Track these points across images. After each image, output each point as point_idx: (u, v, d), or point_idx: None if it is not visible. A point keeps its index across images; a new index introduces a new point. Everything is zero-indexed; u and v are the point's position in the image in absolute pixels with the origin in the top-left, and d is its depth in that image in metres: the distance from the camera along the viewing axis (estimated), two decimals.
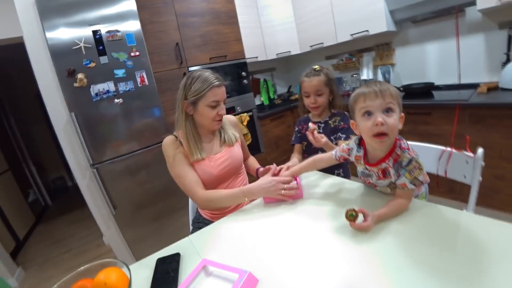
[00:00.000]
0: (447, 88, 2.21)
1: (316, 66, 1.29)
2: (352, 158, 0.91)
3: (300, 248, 0.73)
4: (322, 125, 1.33)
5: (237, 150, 1.24)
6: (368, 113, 0.76)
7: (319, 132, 1.12)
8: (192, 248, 0.84)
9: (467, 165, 0.92)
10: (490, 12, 1.85)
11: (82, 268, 0.64)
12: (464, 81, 2.14)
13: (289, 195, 0.96)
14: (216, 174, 1.14)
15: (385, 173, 0.82)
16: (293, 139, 1.46)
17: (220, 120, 1.14)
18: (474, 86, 2.00)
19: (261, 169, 1.25)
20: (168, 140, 1.14)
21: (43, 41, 1.68)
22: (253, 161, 1.38)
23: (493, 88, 1.81)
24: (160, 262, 0.79)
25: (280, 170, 1.08)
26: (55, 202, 4.19)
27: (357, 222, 0.72)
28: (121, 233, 1.96)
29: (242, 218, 0.96)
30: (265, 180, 1.00)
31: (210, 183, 1.14)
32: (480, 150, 0.87)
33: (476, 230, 0.65)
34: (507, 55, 1.85)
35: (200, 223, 1.20)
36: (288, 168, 1.07)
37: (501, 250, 0.58)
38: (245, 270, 0.64)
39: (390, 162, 0.79)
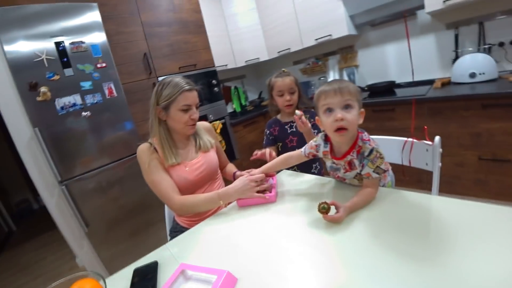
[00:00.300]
0: (407, 85, 2.37)
1: (284, 69, 1.37)
2: (320, 154, 0.96)
3: (277, 244, 0.75)
4: (294, 123, 1.38)
5: (212, 156, 1.25)
6: (329, 110, 0.82)
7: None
8: (169, 255, 0.83)
9: (427, 153, 1.00)
10: (438, 14, 2.02)
11: (57, 282, 0.62)
12: (420, 78, 2.31)
13: (262, 198, 0.97)
14: (192, 179, 1.15)
15: (351, 165, 0.87)
16: (264, 142, 1.51)
17: (194, 124, 1.15)
18: (430, 82, 2.17)
19: (238, 172, 1.26)
20: (142, 147, 1.14)
21: (1, 54, 1.59)
22: (231, 167, 1.39)
23: (447, 83, 1.97)
24: (137, 271, 0.77)
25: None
26: (20, 227, 3.89)
27: (329, 214, 0.76)
28: (95, 252, 1.87)
29: (218, 221, 0.97)
30: (239, 181, 1.02)
31: (187, 189, 1.14)
32: (437, 138, 0.96)
33: (440, 211, 0.71)
34: (456, 52, 2.03)
35: (178, 232, 1.18)
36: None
37: (467, 228, 0.62)
38: (223, 270, 0.64)
39: (354, 154, 0.85)
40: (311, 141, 0.99)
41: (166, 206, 1.29)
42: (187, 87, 1.09)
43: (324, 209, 0.76)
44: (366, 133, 0.86)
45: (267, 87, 1.44)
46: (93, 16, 1.83)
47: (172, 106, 1.08)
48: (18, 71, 1.58)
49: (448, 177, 1.84)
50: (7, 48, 1.55)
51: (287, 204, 0.96)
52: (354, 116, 0.80)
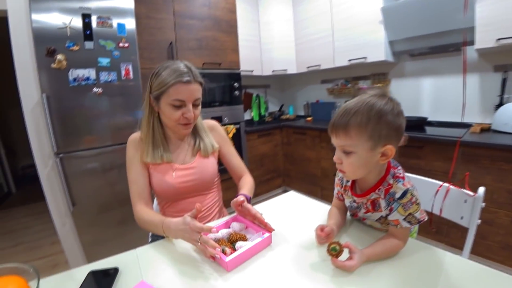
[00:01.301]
0: (440, 124, 2.18)
1: None
2: (342, 190, 0.80)
3: (267, 274, 0.61)
4: None
5: (210, 164, 1.04)
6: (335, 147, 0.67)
7: None
8: (135, 264, 0.70)
9: (465, 204, 0.82)
10: (487, 53, 1.85)
11: None
12: (455, 119, 2.12)
13: (208, 253, 0.66)
14: (176, 187, 0.97)
15: (374, 205, 0.70)
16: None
17: (187, 124, 0.94)
18: (466, 125, 1.98)
19: (240, 197, 0.86)
20: (132, 137, 1.00)
21: (27, 16, 1.56)
22: (244, 183, 1.05)
23: (486, 129, 1.78)
24: (92, 275, 0.64)
25: (241, 203, 0.81)
26: (19, 190, 3.91)
27: (340, 258, 0.61)
28: (76, 233, 1.77)
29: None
30: (181, 220, 0.73)
31: (170, 194, 0.99)
32: (481, 189, 0.78)
33: (476, 282, 0.55)
34: (501, 97, 1.84)
35: (159, 236, 1.05)
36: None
37: None
38: None
39: (380, 192, 0.68)
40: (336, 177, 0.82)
41: (155, 202, 1.16)
42: (184, 79, 0.86)
43: (334, 251, 0.61)
44: (401, 168, 0.69)
45: None
46: None
47: (162, 98, 0.90)
48: (40, 35, 1.53)
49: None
50: (35, 14, 1.51)
51: (289, 232, 0.80)
52: (352, 163, 0.64)
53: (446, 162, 1.68)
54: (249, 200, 0.88)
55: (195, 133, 1.06)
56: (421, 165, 1.84)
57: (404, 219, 0.63)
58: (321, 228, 0.71)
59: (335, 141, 0.65)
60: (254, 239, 0.71)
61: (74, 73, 1.64)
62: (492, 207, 1.53)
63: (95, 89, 1.70)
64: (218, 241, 0.73)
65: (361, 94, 0.65)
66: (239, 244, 0.70)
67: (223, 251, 0.66)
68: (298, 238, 0.76)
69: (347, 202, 0.79)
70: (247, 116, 3.36)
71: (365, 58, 2.38)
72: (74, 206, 1.71)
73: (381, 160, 0.63)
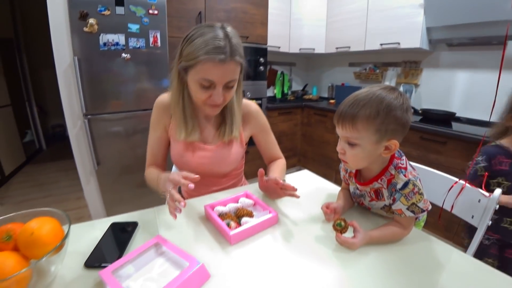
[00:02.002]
0: (468, 122, 2.08)
1: None
2: (347, 176, 0.81)
3: (269, 251, 0.65)
4: None
5: (232, 151, 0.95)
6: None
7: None
8: (153, 221, 0.76)
9: (479, 204, 0.81)
10: None
11: (18, 212, 0.57)
12: (485, 118, 2.01)
13: (172, 208, 0.64)
14: (193, 166, 0.93)
15: (378, 194, 0.71)
16: (471, 175, 1.13)
17: (216, 106, 0.82)
18: None
19: (271, 176, 0.79)
20: (160, 100, 0.93)
21: None
22: (277, 164, 1.02)
23: None
24: (114, 226, 0.71)
25: (277, 183, 0.74)
26: (49, 148, 4.18)
27: (344, 235, 0.64)
28: (99, 191, 1.90)
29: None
30: (174, 174, 0.70)
31: (186, 169, 0.93)
32: (497, 191, 0.76)
33: (476, 281, 0.56)
34: None
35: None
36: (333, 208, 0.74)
37: None
38: (198, 260, 0.55)
39: (383, 182, 0.68)
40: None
41: (173, 168, 1.20)
42: (216, 57, 0.70)
43: (339, 227, 0.64)
44: (404, 158, 0.68)
45: None
46: None
47: (190, 72, 0.76)
48: None
49: None
50: None
51: (296, 207, 0.84)
52: (356, 155, 0.64)
53: (467, 161, 1.62)
54: None
55: (223, 114, 0.93)
56: (441, 161, 1.79)
57: (407, 208, 0.64)
58: (327, 206, 0.74)
59: (340, 131, 0.65)
60: (260, 217, 0.73)
61: (105, 37, 1.68)
62: None
63: (123, 55, 1.75)
64: (224, 214, 0.74)
65: (371, 86, 0.64)
66: (244, 219, 0.72)
67: (228, 225, 0.69)
68: (306, 217, 0.79)
69: (351, 188, 0.81)
70: (269, 92, 3.34)
71: (398, 43, 2.26)
72: (99, 166, 1.83)
73: (384, 153, 0.63)
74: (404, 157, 0.68)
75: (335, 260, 0.61)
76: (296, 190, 0.72)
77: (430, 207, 0.65)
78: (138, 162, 1.97)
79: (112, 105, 1.81)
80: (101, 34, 1.67)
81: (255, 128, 1.01)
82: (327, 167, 2.83)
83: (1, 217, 0.56)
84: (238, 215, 0.75)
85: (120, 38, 1.72)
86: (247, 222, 0.70)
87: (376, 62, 2.84)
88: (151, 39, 1.82)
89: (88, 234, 0.69)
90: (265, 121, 1.03)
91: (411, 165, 0.68)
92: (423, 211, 0.64)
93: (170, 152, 0.98)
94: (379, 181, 0.69)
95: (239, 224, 0.72)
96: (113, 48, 1.71)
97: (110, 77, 1.75)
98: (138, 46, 1.79)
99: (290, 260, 0.61)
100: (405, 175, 0.64)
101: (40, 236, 0.48)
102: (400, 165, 0.66)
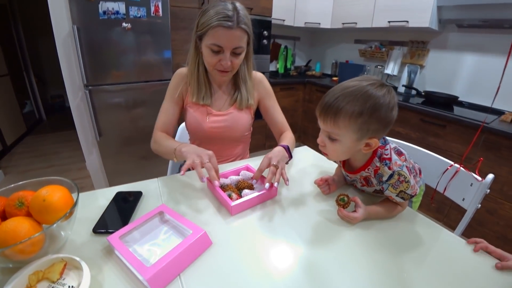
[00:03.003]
0: (471, 106, 2.08)
1: None
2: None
3: (268, 221, 0.68)
4: None
5: (244, 118, 1.04)
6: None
7: None
8: (157, 191, 0.79)
9: (470, 188, 0.83)
10: None
11: (29, 181, 0.59)
12: (486, 103, 2.00)
13: (200, 175, 0.69)
14: (208, 131, 1.01)
15: (367, 181, 0.74)
16: None
17: (224, 72, 0.92)
18: (499, 112, 1.87)
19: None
20: (180, 71, 1.02)
21: None
22: (286, 136, 1.05)
23: None
24: (119, 195, 0.74)
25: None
26: (49, 118, 4.16)
27: (346, 210, 0.67)
28: (101, 162, 1.94)
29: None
30: (201, 150, 0.78)
31: (201, 136, 1.03)
32: (490, 176, 0.78)
33: (461, 257, 0.60)
34: None
35: (178, 172, 1.14)
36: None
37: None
38: (201, 228, 0.59)
39: (370, 171, 0.70)
40: None
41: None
42: (224, 23, 0.81)
43: (342, 202, 0.68)
44: (388, 147, 0.67)
45: None
46: None
47: (203, 39, 0.87)
48: None
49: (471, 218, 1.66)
50: None
51: (294, 184, 0.86)
52: (335, 149, 0.65)
53: (465, 146, 1.64)
54: (287, 150, 0.87)
55: (236, 83, 1.03)
56: (439, 144, 1.81)
57: (397, 195, 0.67)
58: (320, 178, 0.78)
59: (321, 125, 0.64)
60: (261, 190, 0.76)
61: (104, 5, 1.63)
62: (500, 198, 1.53)
63: (124, 24, 1.71)
64: (226, 186, 0.78)
65: (361, 78, 0.62)
66: (245, 191, 0.75)
67: (230, 196, 0.72)
68: (304, 191, 0.82)
69: (344, 173, 0.82)
70: (272, 67, 3.28)
71: (406, 21, 2.19)
72: (101, 137, 1.84)
73: (364, 149, 0.64)
74: (388, 145, 0.68)
75: (329, 231, 0.65)
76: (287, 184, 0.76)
77: (418, 191, 0.67)
78: (139, 134, 1.99)
79: (112, 76, 1.79)
80: (101, 2, 1.61)
81: (261, 93, 1.09)
82: None
83: (12, 185, 0.58)
84: (239, 187, 0.78)
85: (120, 7, 1.67)
86: (248, 194, 0.73)
87: (382, 40, 2.77)
88: (153, 8, 1.76)
89: (94, 202, 0.72)
90: (270, 88, 1.12)
91: (397, 151, 0.68)
92: (412, 196, 0.67)
93: (186, 121, 1.06)
94: (366, 170, 0.70)
95: (239, 196, 0.75)
96: (113, 17, 1.66)
97: (110, 47, 1.72)
98: (139, 15, 1.73)
99: (287, 230, 0.65)
100: (389, 167, 0.65)
101: (51, 203, 0.51)
102: (384, 156, 0.66)
